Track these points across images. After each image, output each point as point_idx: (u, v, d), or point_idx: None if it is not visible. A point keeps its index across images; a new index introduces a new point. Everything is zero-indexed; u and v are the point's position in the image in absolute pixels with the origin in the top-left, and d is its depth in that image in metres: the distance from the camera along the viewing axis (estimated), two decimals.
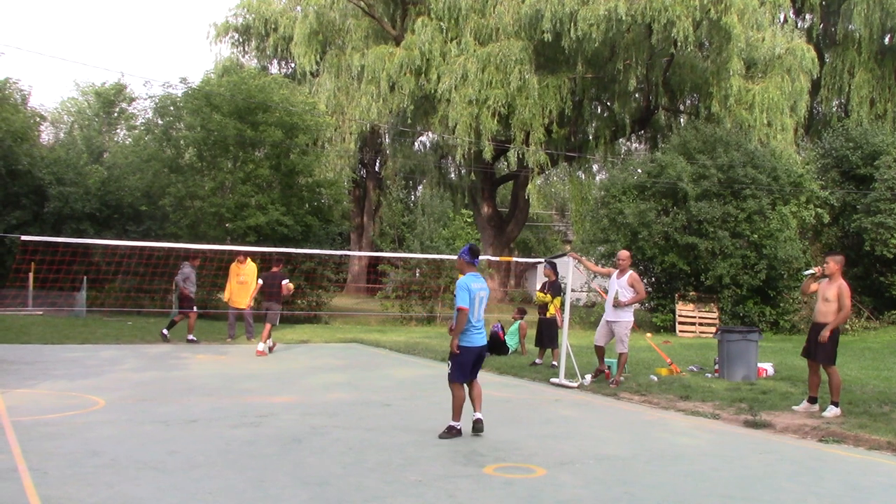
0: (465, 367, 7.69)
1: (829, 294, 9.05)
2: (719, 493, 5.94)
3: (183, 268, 16.21)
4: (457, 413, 7.69)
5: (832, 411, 8.88)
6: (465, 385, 7.75)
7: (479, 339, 7.78)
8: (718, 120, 25.15)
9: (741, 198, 21.42)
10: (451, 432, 7.60)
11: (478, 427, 7.69)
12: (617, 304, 11.08)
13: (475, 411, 7.78)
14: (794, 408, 9.27)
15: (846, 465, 7.12)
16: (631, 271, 11.31)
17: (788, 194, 22.01)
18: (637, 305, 11.52)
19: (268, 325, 14.75)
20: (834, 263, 9.12)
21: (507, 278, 33.38)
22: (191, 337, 15.96)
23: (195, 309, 16.11)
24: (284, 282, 15.02)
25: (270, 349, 14.79)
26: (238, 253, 16.58)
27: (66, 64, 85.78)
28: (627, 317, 11.19)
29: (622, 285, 11.13)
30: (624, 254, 11.59)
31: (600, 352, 11.46)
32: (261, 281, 15.55)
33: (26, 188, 24.14)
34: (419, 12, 28.14)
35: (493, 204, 32.66)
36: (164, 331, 15.85)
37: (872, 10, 26.93)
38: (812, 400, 9.25)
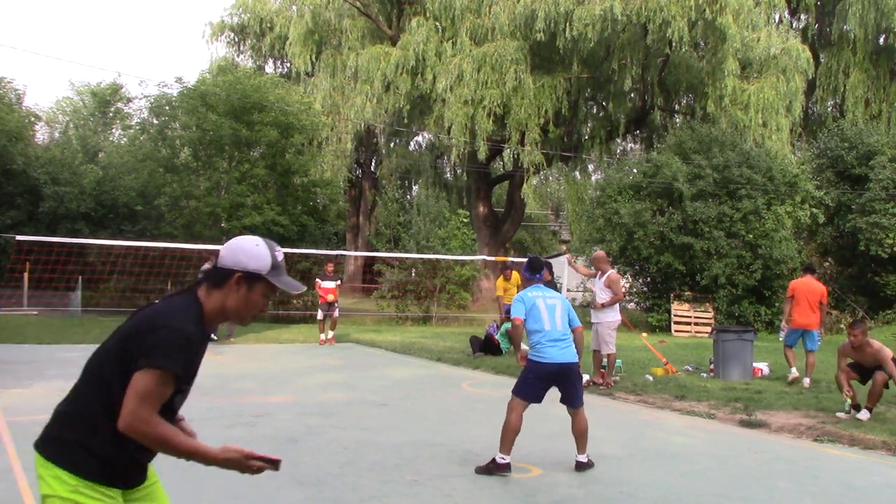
0: (533, 383, 6.33)
1: (869, 360, 8.79)
2: (715, 493, 5.95)
3: (203, 267, 16.36)
4: (504, 442, 6.20)
5: (866, 415, 8.70)
6: (526, 406, 6.35)
7: (557, 353, 6.29)
8: (714, 120, 25.17)
9: (736, 198, 21.45)
10: (492, 466, 6.19)
11: (582, 469, 6.39)
12: (595, 307, 11.04)
13: (578, 452, 6.44)
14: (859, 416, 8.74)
15: (841, 464, 7.14)
16: (610, 271, 11.09)
17: (784, 194, 22.04)
18: (618, 305, 11.30)
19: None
20: (860, 334, 8.77)
21: None
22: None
23: None
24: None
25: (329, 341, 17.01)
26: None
27: (61, 63, 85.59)
28: (608, 317, 10.94)
29: (600, 287, 11.02)
30: (599, 254, 11.41)
31: (595, 357, 11.25)
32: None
33: (21, 188, 24.10)
34: (415, 12, 28.13)
35: (489, 204, 32.65)
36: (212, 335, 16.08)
37: (867, 10, 26.98)
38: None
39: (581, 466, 6.40)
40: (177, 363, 2.44)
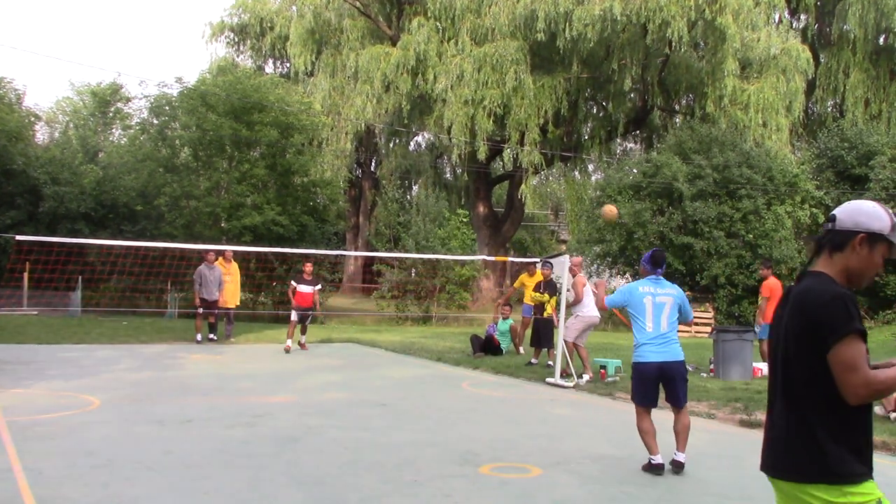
0: (640, 385, 6.45)
1: None
2: (715, 493, 5.95)
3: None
4: (648, 444, 6.42)
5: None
6: (649, 410, 6.48)
7: (655, 354, 6.38)
8: (713, 120, 25.17)
9: (736, 198, 21.46)
10: (648, 467, 6.41)
11: (676, 470, 6.41)
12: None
13: (677, 449, 6.48)
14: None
15: None
16: (577, 275, 11.91)
17: (784, 194, 22.05)
18: (589, 305, 11.88)
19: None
20: None
21: (502, 278, 33.36)
22: (199, 337, 15.81)
23: (200, 311, 15.87)
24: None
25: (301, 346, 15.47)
26: (223, 252, 16.56)
27: (61, 63, 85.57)
28: (581, 312, 11.73)
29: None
30: (574, 260, 12.22)
31: (583, 354, 11.91)
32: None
33: (21, 188, 24.09)
34: (415, 12, 28.12)
35: (488, 204, 32.65)
36: (211, 335, 15.98)
37: (867, 10, 26.97)
38: None
39: (678, 467, 6.43)
40: (854, 320, 2.53)
